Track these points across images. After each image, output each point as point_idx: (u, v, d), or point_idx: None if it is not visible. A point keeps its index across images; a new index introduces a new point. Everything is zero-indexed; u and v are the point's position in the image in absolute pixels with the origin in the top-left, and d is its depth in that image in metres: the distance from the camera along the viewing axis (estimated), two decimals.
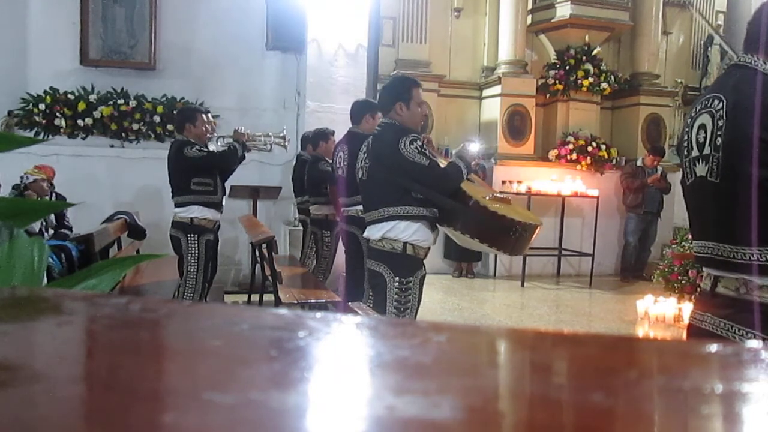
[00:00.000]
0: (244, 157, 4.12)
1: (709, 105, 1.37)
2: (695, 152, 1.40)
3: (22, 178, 4.72)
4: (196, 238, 3.85)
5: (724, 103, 1.32)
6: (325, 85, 5.83)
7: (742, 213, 1.26)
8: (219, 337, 0.41)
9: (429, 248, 2.71)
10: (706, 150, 1.36)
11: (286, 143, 4.85)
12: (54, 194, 4.87)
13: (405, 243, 2.60)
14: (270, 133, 4.75)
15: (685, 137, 1.46)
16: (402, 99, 2.65)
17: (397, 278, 2.61)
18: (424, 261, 2.72)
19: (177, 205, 3.88)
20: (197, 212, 3.84)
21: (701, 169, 1.38)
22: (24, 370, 0.35)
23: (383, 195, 2.64)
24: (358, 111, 3.81)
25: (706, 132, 1.37)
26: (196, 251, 3.85)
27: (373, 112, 3.76)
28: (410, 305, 2.63)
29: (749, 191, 1.23)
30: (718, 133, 1.32)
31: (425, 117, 3.03)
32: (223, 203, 4.52)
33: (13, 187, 4.69)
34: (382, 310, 2.64)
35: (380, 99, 2.80)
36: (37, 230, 4.47)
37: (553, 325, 4.90)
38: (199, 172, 3.82)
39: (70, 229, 4.87)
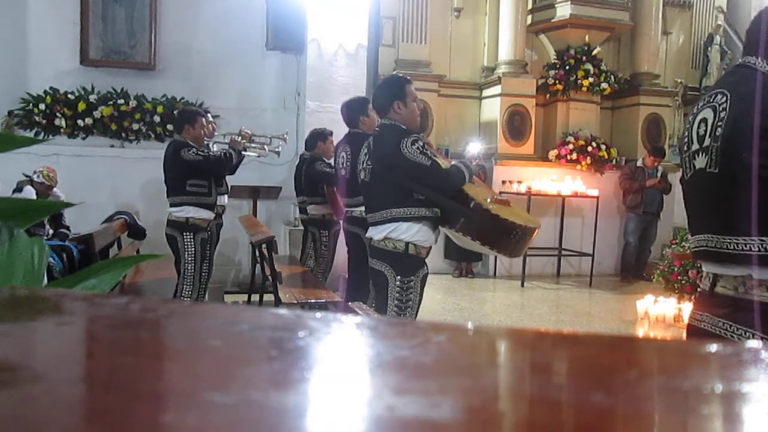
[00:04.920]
0: (239, 164, 4.16)
1: (712, 100, 1.39)
2: (695, 146, 1.42)
3: (34, 172, 4.74)
4: (191, 236, 3.89)
5: (728, 97, 1.34)
6: (325, 85, 5.83)
7: (740, 202, 1.27)
8: (219, 337, 0.41)
9: (431, 247, 2.72)
10: (706, 142, 1.37)
11: (282, 141, 4.88)
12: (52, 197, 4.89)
13: (407, 243, 2.61)
14: (268, 136, 4.78)
15: (686, 133, 1.47)
16: (399, 98, 2.65)
17: (399, 277, 2.62)
18: (426, 260, 2.73)
19: (172, 205, 3.93)
20: (192, 212, 3.89)
21: (700, 162, 1.39)
22: (24, 370, 0.35)
23: (386, 196, 2.64)
24: (352, 114, 3.78)
25: (707, 125, 1.38)
26: (193, 249, 3.89)
27: (365, 110, 3.75)
28: (411, 304, 2.64)
29: (748, 180, 1.24)
30: (719, 124, 1.34)
31: (422, 112, 3.05)
32: (226, 201, 4.53)
33: (14, 190, 4.70)
34: (384, 309, 2.64)
35: (375, 100, 2.81)
36: (38, 231, 4.47)
37: (553, 325, 4.90)
38: (195, 174, 3.86)
39: (68, 228, 4.88)
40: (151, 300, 0.51)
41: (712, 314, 1.38)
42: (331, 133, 4.71)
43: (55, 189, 4.81)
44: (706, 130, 1.38)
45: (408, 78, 2.80)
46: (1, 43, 5.59)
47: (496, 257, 6.85)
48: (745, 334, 1.30)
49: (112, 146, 5.93)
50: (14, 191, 4.65)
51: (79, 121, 5.77)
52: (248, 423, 0.28)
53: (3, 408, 0.30)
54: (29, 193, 4.59)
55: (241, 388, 0.33)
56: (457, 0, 7.45)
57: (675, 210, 7.10)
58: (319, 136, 4.73)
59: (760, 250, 1.26)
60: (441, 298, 5.63)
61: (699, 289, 1.49)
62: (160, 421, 0.29)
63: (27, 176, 4.78)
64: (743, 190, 1.25)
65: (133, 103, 5.85)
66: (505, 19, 7.20)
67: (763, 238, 1.25)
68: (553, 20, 7.28)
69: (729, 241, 1.32)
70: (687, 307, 4.79)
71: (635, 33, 7.70)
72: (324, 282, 4.49)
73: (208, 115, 4.43)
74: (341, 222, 4.17)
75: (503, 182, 6.75)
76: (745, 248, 1.28)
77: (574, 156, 7.06)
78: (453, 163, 2.75)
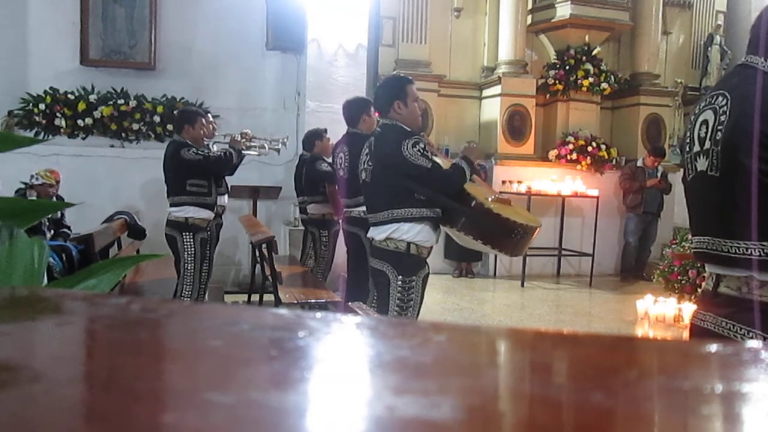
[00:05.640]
0: (239, 164, 4.17)
1: (713, 102, 1.38)
2: (696, 148, 1.41)
3: (31, 176, 4.74)
4: (191, 237, 3.89)
5: (728, 100, 1.33)
6: (325, 85, 5.83)
7: (741, 207, 1.26)
8: (219, 337, 0.41)
9: (432, 247, 2.72)
10: (707, 145, 1.37)
11: (282, 145, 4.89)
12: (54, 196, 4.89)
13: (409, 243, 2.61)
14: (268, 139, 4.79)
15: (688, 134, 1.47)
16: (399, 98, 2.65)
17: (401, 277, 2.62)
18: (427, 260, 2.73)
19: (172, 205, 3.93)
20: (192, 212, 3.89)
21: (702, 164, 1.39)
22: (24, 370, 0.35)
23: (387, 197, 2.64)
24: (354, 112, 3.79)
25: (707, 127, 1.37)
26: (192, 249, 3.89)
27: (367, 110, 3.76)
28: (412, 304, 2.64)
29: (748, 185, 1.23)
30: (719, 127, 1.33)
31: (423, 112, 3.04)
32: (226, 201, 4.52)
33: (16, 192, 4.69)
34: (385, 309, 2.65)
35: (376, 100, 2.80)
36: (37, 230, 4.47)
37: (553, 325, 4.90)
38: (195, 174, 3.86)
39: (69, 228, 4.88)
40: (151, 300, 0.51)
41: (715, 314, 1.38)
42: (325, 131, 4.77)
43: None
44: (707, 133, 1.37)
45: (409, 78, 2.79)
46: (1, 43, 5.59)
47: (496, 257, 6.85)
48: (748, 334, 1.29)
49: (112, 146, 5.92)
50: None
51: (79, 121, 5.77)
52: (248, 423, 0.28)
53: (3, 408, 0.30)
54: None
55: (241, 388, 0.33)
56: (457, 0, 7.45)
57: (675, 210, 7.10)
58: (315, 136, 4.77)
59: (760, 255, 1.26)
60: (441, 298, 5.63)
61: (702, 289, 1.49)
62: (160, 421, 0.29)
63: (24, 183, 4.75)
64: (743, 195, 1.25)
65: (133, 103, 5.85)
66: (505, 19, 7.20)
67: (764, 243, 1.25)
68: (553, 20, 7.28)
69: (729, 244, 1.32)
70: (687, 307, 4.78)
71: (635, 33, 7.70)
72: (324, 282, 4.49)
73: (209, 115, 4.43)
74: (340, 222, 4.17)
75: (503, 182, 6.75)
76: (745, 252, 1.28)
77: (574, 156, 7.06)
78: (454, 161, 2.75)
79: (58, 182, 4.89)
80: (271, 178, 5.98)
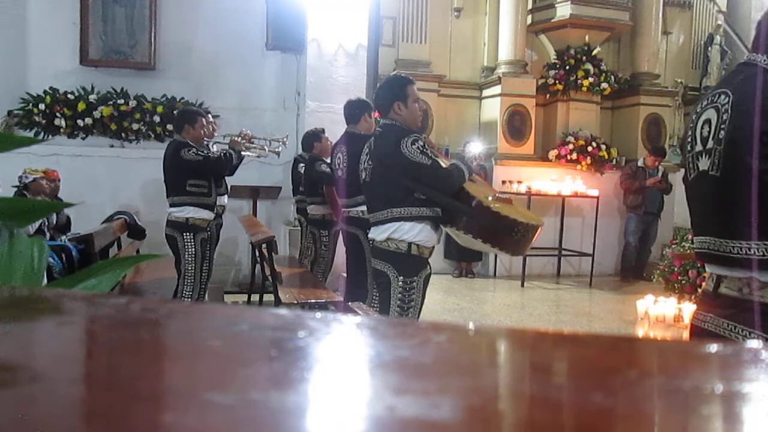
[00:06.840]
0: (239, 165, 4.17)
1: (715, 100, 1.37)
2: (698, 147, 1.40)
3: (20, 177, 4.72)
4: (191, 237, 3.89)
5: (730, 98, 1.33)
6: (325, 85, 5.83)
7: (741, 207, 1.26)
8: (219, 337, 0.41)
9: (433, 247, 2.72)
10: (710, 144, 1.36)
11: (282, 145, 4.90)
12: (52, 190, 4.88)
13: (410, 243, 2.60)
14: (268, 140, 4.80)
15: (689, 133, 1.46)
16: (399, 98, 2.65)
17: (401, 278, 2.62)
18: (429, 260, 2.73)
19: (172, 205, 3.92)
20: (192, 212, 3.89)
21: (704, 164, 1.38)
22: (24, 370, 0.35)
23: (387, 196, 2.64)
24: (356, 111, 3.80)
25: (710, 126, 1.36)
26: (193, 249, 3.89)
27: (369, 111, 3.77)
28: (413, 304, 2.64)
29: (749, 184, 1.23)
30: (722, 126, 1.32)
31: (423, 113, 3.03)
32: (226, 201, 4.53)
33: (15, 194, 4.69)
34: (386, 309, 2.64)
35: (377, 100, 2.80)
36: (35, 230, 4.47)
37: (553, 325, 4.90)
38: (195, 174, 3.86)
39: (69, 228, 4.88)
40: (151, 300, 0.51)
41: (716, 315, 1.37)
42: (323, 131, 4.78)
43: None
44: (709, 132, 1.36)
45: (410, 78, 2.79)
46: (1, 43, 5.59)
47: (496, 257, 6.85)
48: (749, 335, 1.29)
49: (112, 146, 5.93)
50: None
51: (79, 121, 5.77)
52: (248, 423, 0.28)
53: (3, 408, 0.30)
54: None
55: (241, 388, 0.33)
56: (457, 0, 7.45)
57: (675, 210, 7.10)
58: (313, 137, 4.78)
59: (758, 254, 1.25)
60: (441, 298, 5.63)
61: (702, 290, 1.48)
62: (159, 421, 0.29)
63: (16, 186, 4.74)
64: (744, 195, 1.24)
65: (133, 103, 5.85)
66: (505, 19, 7.20)
67: (761, 243, 1.25)
68: (553, 20, 7.28)
69: (731, 245, 1.31)
70: (687, 307, 4.78)
71: (635, 33, 7.70)
72: (324, 282, 4.49)
73: (209, 115, 4.43)
74: (340, 222, 4.17)
75: (503, 182, 6.76)
76: (747, 252, 1.28)
77: (574, 156, 7.06)
78: (452, 162, 2.75)
79: (57, 180, 4.89)
80: (271, 178, 5.98)
